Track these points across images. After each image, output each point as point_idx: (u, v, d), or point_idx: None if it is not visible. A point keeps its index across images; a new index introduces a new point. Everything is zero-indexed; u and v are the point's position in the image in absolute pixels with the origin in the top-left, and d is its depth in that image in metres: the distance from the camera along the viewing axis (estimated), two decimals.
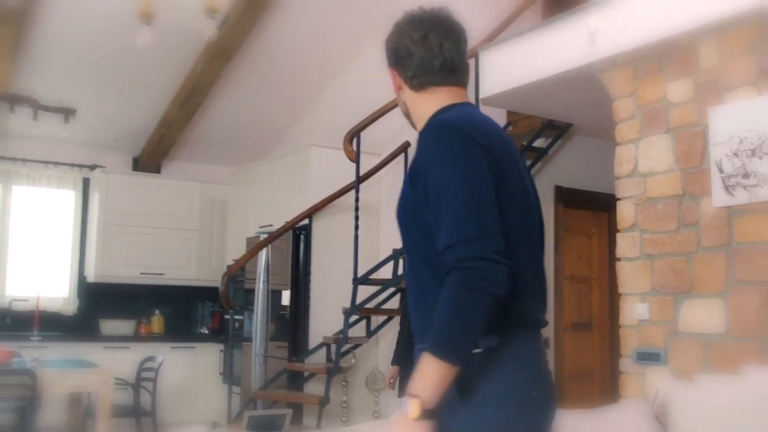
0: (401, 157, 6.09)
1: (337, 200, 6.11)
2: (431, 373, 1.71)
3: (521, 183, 1.94)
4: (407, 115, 2.09)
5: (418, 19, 2.01)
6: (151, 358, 5.92)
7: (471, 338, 1.74)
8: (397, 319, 6.12)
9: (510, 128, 6.36)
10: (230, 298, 5.62)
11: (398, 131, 6.17)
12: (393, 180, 6.21)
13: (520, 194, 1.93)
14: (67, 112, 5.84)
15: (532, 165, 5.89)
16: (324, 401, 5.35)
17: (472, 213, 1.76)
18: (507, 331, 1.84)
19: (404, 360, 4.37)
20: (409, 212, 1.93)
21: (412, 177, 1.90)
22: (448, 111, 1.96)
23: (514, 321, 1.85)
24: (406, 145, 6.06)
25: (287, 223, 6.05)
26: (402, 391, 4.43)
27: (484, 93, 5.33)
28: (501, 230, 1.77)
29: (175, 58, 6.59)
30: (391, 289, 6.08)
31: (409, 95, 2.05)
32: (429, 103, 2.01)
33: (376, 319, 6.04)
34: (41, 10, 5.85)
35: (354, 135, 5.67)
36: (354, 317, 5.87)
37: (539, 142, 5.99)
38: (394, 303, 6.10)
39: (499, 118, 6.34)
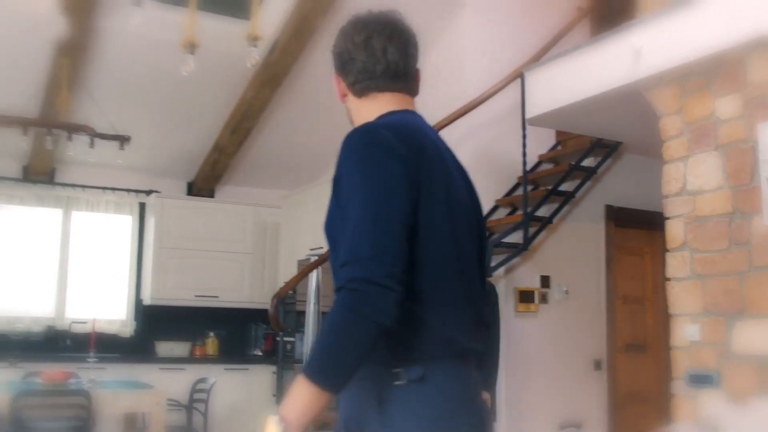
0: None
1: None
2: (301, 396, 1.59)
3: (455, 197, 1.77)
4: (352, 123, 1.95)
5: (362, 22, 1.88)
6: (203, 380, 6.00)
7: (348, 364, 1.57)
8: None
9: (559, 148, 6.33)
10: (280, 320, 5.67)
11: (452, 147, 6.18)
12: None
13: (452, 208, 1.74)
14: (122, 140, 6.00)
15: (581, 185, 5.82)
16: None
17: (370, 231, 1.59)
18: (431, 362, 1.68)
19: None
20: (333, 224, 1.76)
21: (334, 187, 1.77)
22: (385, 118, 1.84)
23: (438, 350, 1.69)
24: None
25: None
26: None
27: (530, 113, 5.31)
28: (403, 251, 1.60)
29: (225, 85, 6.73)
30: None
31: (352, 102, 1.93)
32: (370, 109, 1.88)
33: None
34: (97, 42, 6.04)
35: None
36: None
37: (588, 162, 5.93)
38: None
39: (548, 138, 6.32)
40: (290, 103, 7.05)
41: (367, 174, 1.66)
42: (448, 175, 1.78)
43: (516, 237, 5.57)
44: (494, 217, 6.05)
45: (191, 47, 4.27)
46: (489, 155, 6.03)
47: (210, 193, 8.20)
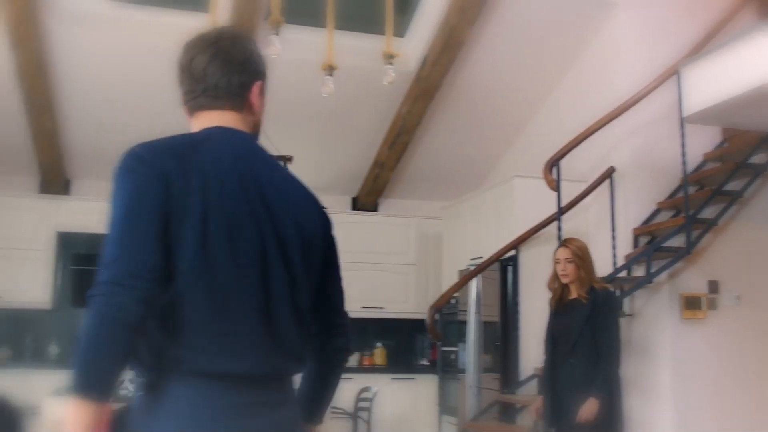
0: (607, 184, 5.94)
1: (544, 230, 6.06)
2: (70, 411, 1.51)
3: (245, 215, 1.69)
4: None
5: (189, 44, 1.85)
6: (366, 389, 6.18)
7: (100, 369, 1.51)
8: None
9: (725, 145, 5.99)
10: (437, 330, 5.74)
11: (603, 156, 6.03)
12: (600, 207, 6.06)
13: (221, 227, 1.65)
14: (285, 159, 6.30)
15: (750, 183, 5.48)
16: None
17: (115, 238, 1.58)
18: (170, 377, 1.61)
19: (549, 389, 4.32)
20: None
21: None
22: (175, 137, 1.77)
23: (180, 366, 1.61)
24: (610, 171, 5.90)
25: (493, 255, 6.09)
26: (550, 421, 4.31)
27: (688, 111, 5.10)
28: (148, 253, 1.56)
29: (380, 101, 6.93)
30: None
31: (189, 121, 1.88)
32: (193, 129, 1.83)
33: None
34: None
35: (553, 163, 5.62)
36: None
37: (759, 158, 5.57)
38: None
39: (713, 135, 6.01)
40: (445, 116, 7.15)
41: (116, 189, 1.64)
42: (226, 194, 1.68)
43: (679, 240, 5.34)
44: (656, 220, 5.83)
45: (330, 69, 4.44)
46: (648, 157, 5.83)
47: (374, 207, 8.44)
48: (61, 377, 6.65)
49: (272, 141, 6.69)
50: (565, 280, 4.35)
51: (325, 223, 1.95)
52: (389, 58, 4.52)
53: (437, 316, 5.98)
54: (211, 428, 1.62)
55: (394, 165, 7.69)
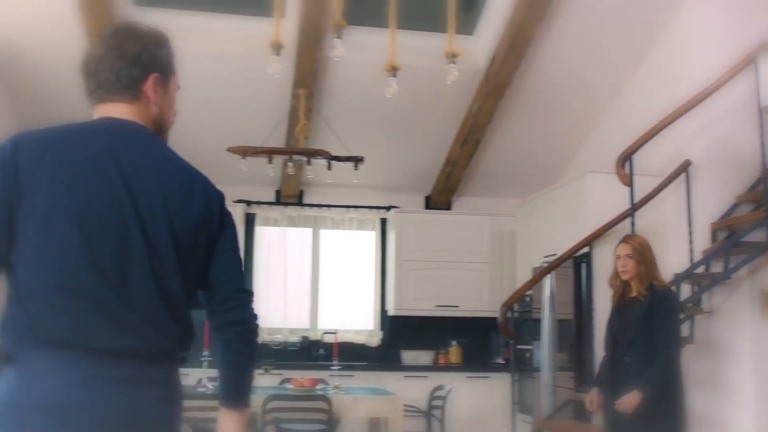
0: (683, 178, 5.79)
1: (618, 227, 5.95)
2: None
3: (100, 200, 1.79)
4: None
5: (87, 49, 2.03)
6: (440, 387, 6.19)
7: None
8: (687, 347, 5.80)
9: None
10: (508, 328, 5.71)
11: (678, 150, 5.89)
12: (677, 202, 5.91)
13: (88, 207, 1.77)
14: (356, 160, 6.37)
15: None
16: None
17: None
18: (26, 347, 1.73)
19: (608, 388, 4.24)
20: None
21: None
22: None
23: (34, 336, 1.73)
24: (686, 165, 5.76)
25: (566, 252, 6.02)
26: (607, 413, 4.24)
27: (766, 100, 4.92)
28: None
29: (451, 100, 6.92)
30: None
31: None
32: None
33: None
34: (326, 72, 6.52)
35: (626, 158, 5.51)
36: None
37: None
38: (684, 330, 5.77)
39: None
40: (516, 113, 7.09)
41: None
42: (79, 182, 1.79)
43: (759, 235, 5.16)
44: (735, 214, 5.65)
45: (393, 71, 4.47)
46: (725, 150, 5.66)
47: (447, 206, 8.44)
48: None
49: (344, 142, 6.82)
50: (624, 277, 4.28)
51: (207, 204, 1.96)
52: (452, 57, 4.51)
53: (509, 314, 5.94)
54: (59, 397, 1.69)
55: (466, 163, 7.67)
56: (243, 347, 1.98)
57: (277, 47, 4.62)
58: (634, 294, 4.25)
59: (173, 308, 1.85)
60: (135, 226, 1.80)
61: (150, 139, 1.96)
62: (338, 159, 6.41)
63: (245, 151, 6.22)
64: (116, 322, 1.76)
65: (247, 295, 2.01)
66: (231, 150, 6.20)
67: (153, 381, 1.81)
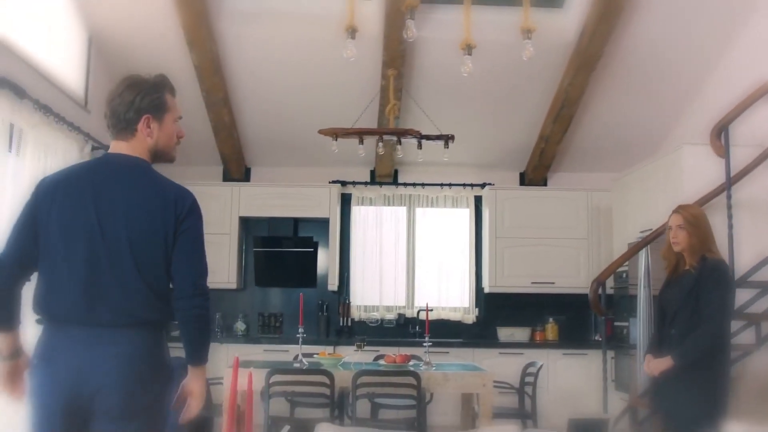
0: None
1: (716, 200, 5.76)
2: None
3: (90, 219, 2.59)
4: None
5: None
6: (532, 364, 6.18)
7: None
8: None
9: None
10: (600, 305, 5.64)
11: None
12: None
13: (63, 223, 2.60)
14: (447, 139, 6.40)
15: None
16: None
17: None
18: (43, 322, 2.62)
19: (653, 354, 4.19)
20: None
21: None
22: None
23: (44, 314, 2.60)
24: None
25: (659, 227, 5.88)
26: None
27: None
28: (12, 249, 2.62)
29: (541, 75, 6.84)
30: None
31: None
32: None
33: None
34: (414, 53, 6.56)
35: (721, 129, 5.33)
36: (741, 323, 5.50)
37: None
38: None
39: None
40: (608, 86, 6.94)
41: None
42: (84, 205, 2.62)
43: None
44: None
45: (468, 48, 4.47)
46: None
47: (543, 182, 8.36)
48: (248, 350, 7.19)
49: (433, 121, 6.85)
50: (676, 248, 4.15)
51: (169, 215, 2.66)
52: (527, 32, 4.47)
53: (600, 291, 5.86)
54: (53, 356, 2.55)
55: (560, 138, 7.56)
56: (190, 325, 2.69)
57: (352, 31, 4.69)
58: (686, 266, 4.12)
59: (132, 293, 2.60)
60: (98, 237, 2.60)
61: (133, 169, 2.72)
62: (428, 138, 6.46)
63: (336, 133, 6.35)
64: (80, 303, 2.57)
65: (194, 288, 2.69)
66: (322, 132, 6.35)
67: (131, 341, 2.57)
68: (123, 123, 2.72)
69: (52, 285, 2.59)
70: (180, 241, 2.68)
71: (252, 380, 2.24)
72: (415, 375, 5.15)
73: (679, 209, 4.21)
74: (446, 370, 5.48)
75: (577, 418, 3.08)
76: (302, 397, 5.62)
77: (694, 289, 3.98)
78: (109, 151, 2.76)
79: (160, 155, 2.82)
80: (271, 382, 5.08)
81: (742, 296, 5.28)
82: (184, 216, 2.69)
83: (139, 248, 2.62)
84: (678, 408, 3.93)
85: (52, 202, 2.62)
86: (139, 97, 2.72)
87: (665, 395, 4.07)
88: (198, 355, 2.75)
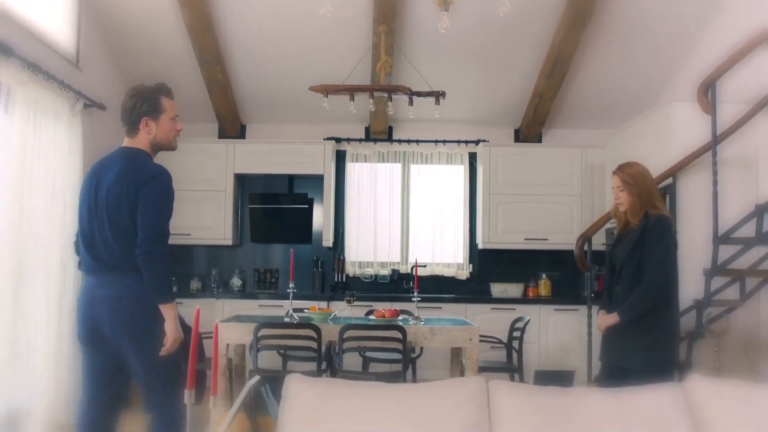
0: None
1: (704, 156, 5.78)
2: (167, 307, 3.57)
3: (91, 196, 3.56)
4: None
5: None
6: (519, 319, 6.25)
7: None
8: None
9: None
10: (585, 261, 5.69)
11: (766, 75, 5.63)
12: None
13: (89, 202, 3.56)
14: (438, 95, 6.40)
15: None
16: (685, 365, 5.18)
17: None
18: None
19: (605, 310, 4.29)
20: None
21: None
22: None
23: (79, 268, 3.67)
24: None
25: None
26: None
27: None
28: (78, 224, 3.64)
29: (533, 33, 6.81)
30: (765, 249, 5.60)
31: None
32: None
33: (753, 281, 5.62)
34: (407, 8, 6.53)
35: (708, 85, 5.32)
36: (726, 279, 5.56)
37: None
38: None
39: None
40: (602, 42, 6.91)
41: None
42: (92, 187, 3.59)
43: None
44: None
45: (445, 4, 4.45)
46: None
47: (538, 138, 8.36)
48: (243, 305, 7.30)
49: (425, 78, 6.84)
50: (621, 209, 4.22)
51: (133, 186, 3.46)
52: None
53: (587, 247, 5.91)
54: (80, 297, 3.62)
55: (554, 95, 7.54)
56: (145, 267, 3.42)
57: None
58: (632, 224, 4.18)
59: (110, 248, 3.49)
60: (93, 208, 3.55)
61: (128, 157, 3.59)
62: (419, 94, 6.45)
63: (327, 90, 6.36)
64: (89, 256, 3.55)
65: (148, 238, 3.43)
66: (313, 89, 6.35)
67: (120, 285, 3.48)
68: (128, 124, 3.62)
69: (79, 247, 3.62)
70: (139, 204, 3.43)
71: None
72: (401, 329, 5.24)
73: (617, 170, 4.27)
74: (433, 325, 5.57)
75: (544, 369, 3.15)
76: (292, 350, 5.73)
77: (637, 246, 4.04)
78: (122, 145, 3.66)
79: (161, 146, 3.69)
80: (259, 335, 5.19)
81: (725, 252, 5.33)
82: (143, 184, 3.44)
83: (113, 213, 3.47)
84: (626, 361, 4.01)
85: (83, 186, 3.68)
86: (139, 103, 3.58)
87: (614, 349, 4.17)
88: (158, 294, 3.45)
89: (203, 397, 3.65)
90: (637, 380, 3.09)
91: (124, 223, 3.44)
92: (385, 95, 6.47)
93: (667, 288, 4.02)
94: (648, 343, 3.98)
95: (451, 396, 2.83)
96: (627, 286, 4.06)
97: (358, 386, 2.86)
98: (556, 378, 2.89)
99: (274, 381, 2.93)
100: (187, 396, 2.37)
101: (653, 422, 2.80)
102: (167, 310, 3.46)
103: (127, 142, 3.63)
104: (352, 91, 6.40)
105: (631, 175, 4.18)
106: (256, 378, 2.87)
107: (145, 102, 3.57)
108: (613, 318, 4.09)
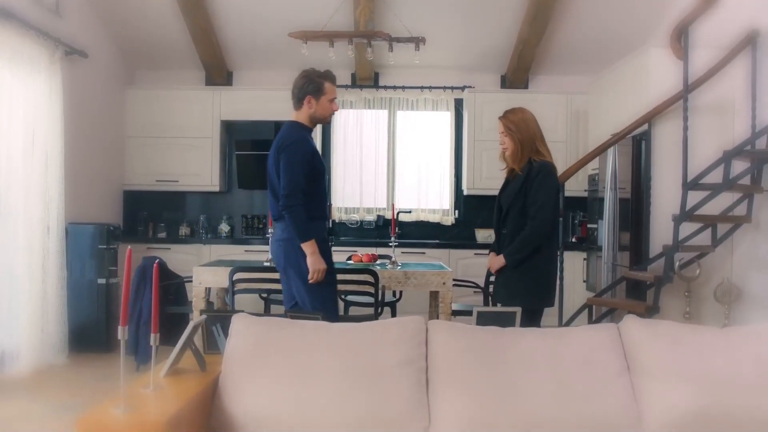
0: (748, 50, 5.53)
1: (679, 103, 5.78)
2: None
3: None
4: None
5: None
6: None
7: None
8: (745, 227, 5.70)
9: None
10: (559, 207, 5.74)
11: (745, 20, 5.60)
12: (744, 75, 5.68)
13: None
14: (417, 41, 6.41)
15: None
16: (652, 310, 5.28)
17: None
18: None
19: (495, 252, 4.42)
20: None
21: None
22: None
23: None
24: (752, 36, 5.48)
25: (621, 130, 5.94)
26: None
27: None
28: None
29: None
30: (737, 195, 5.65)
31: None
32: None
33: (725, 227, 5.68)
34: None
35: (681, 31, 5.30)
36: (699, 225, 5.62)
37: None
38: (742, 210, 5.66)
39: None
40: None
41: None
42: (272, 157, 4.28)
43: None
44: None
45: None
46: None
47: (524, 85, 8.35)
48: (230, 250, 7.42)
49: (407, 24, 6.83)
50: (507, 154, 4.36)
51: (276, 152, 4.20)
52: None
53: (561, 192, 5.96)
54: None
55: (538, 41, 7.51)
56: (287, 219, 4.14)
57: None
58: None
59: (275, 200, 4.25)
60: (271, 167, 4.29)
61: (291, 126, 4.27)
62: (398, 40, 6.47)
63: (306, 36, 6.38)
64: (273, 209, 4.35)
65: (284, 196, 4.11)
66: (292, 35, 6.38)
67: (281, 229, 4.29)
68: (295, 99, 4.29)
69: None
70: (280, 165, 4.15)
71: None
72: (373, 273, 5.34)
73: (502, 116, 4.39)
74: (407, 269, 5.67)
75: (484, 309, 3.24)
76: (275, 294, 5.87)
77: (521, 190, 4.17)
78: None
79: (318, 120, 4.35)
80: (234, 279, 5.31)
81: (697, 198, 5.38)
82: (282, 149, 4.15)
83: (271, 174, 4.27)
84: (511, 300, 4.17)
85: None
86: (306, 84, 4.23)
87: (499, 292, 4.35)
88: (299, 236, 4.14)
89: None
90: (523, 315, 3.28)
91: (274, 182, 4.23)
92: (365, 41, 6.49)
93: (548, 232, 4.14)
94: (526, 285, 4.15)
95: (391, 335, 2.93)
96: (512, 229, 4.20)
97: (301, 325, 2.97)
98: (499, 318, 2.99)
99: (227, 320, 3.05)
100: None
101: (585, 360, 2.91)
102: (306, 248, 4.14)
103: (293, 114, 4.33)
104: (331, 37, 6.42)
105: (513, 121, 4.31)
106: (203, 317, 2.98)
107: (311, 84, 4.22)
108: (500, 260, 4.25)
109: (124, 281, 2.42)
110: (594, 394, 2.80)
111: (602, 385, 2.84)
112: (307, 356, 2.81)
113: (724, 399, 2.79)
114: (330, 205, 8.18)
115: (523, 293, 4.13)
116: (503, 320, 3.18)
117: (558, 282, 4.39)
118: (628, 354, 2.97)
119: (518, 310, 3.29)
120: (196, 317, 5.40)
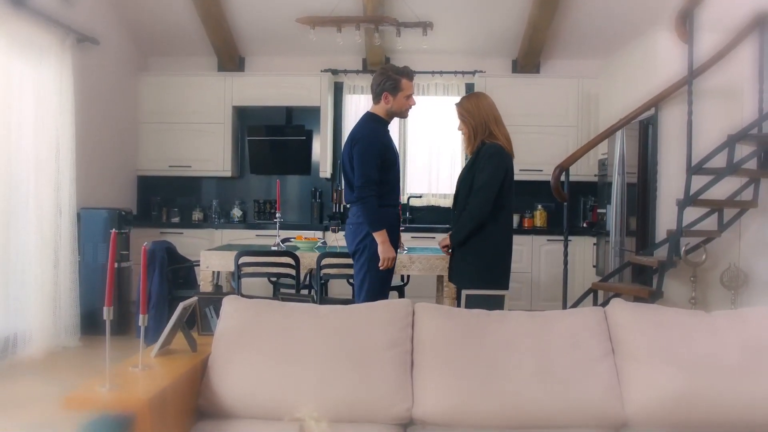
0: (756, 34, 5.48)
1: (685, 87, 5.74)
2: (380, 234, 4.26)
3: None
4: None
5: None
6: None
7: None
8: (753, 212, 5.67)
9: None
10: (562, 191, 5.74)
11: (753, 2, 5.54)
12: (754, 57, 5.63)
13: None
14: (425, 26, 6.43)
15: None
16: (655, 295, 5.28)
17: None
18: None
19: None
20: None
21: None
22: None
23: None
24: (759, 19, 5.43)
25: (627, 115, 5.92)
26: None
27: None
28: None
29: None
30: (744, 180, 5.62)
31: None
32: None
33: (731, 212, 5.65)
34: None
35: (686, 14, 5.26)
36: (705, 210, 5.59)
37: None
38: (748, 194, 5.63)
39: None
40: None
41: None
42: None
43: None
44: None
45: None
46: None
47: (535, 69, 8.32)
48: (242, 235, 7.51)
49: (412, 8, 6.84)
50: (464, 138, 4.47)
51: (350, 144, 4.34)
52: None
53: (564, 177, 5.96)
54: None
55: (548, 24, 7.48)
56: (360, 208, 4.29)
57: None
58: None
59: (349, 187, 4.39)
60: (345, 158, 4.42)
61: (368, 119, 4.44)
62: (405, 25, 6.49)
63: (313, 21, 6.41)
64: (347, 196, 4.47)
65: (357, 188, 4.25)
66: (300, 20, 6.42)
67: (352, 213, 4.43)
68: (373, 95, 4.44)
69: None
70: (353, 157, 4.28)
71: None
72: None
73: (457, 102, 4.46)
74: (413, 253, 5.72)
75: (473, 293, 3.29)
76: (277, 277, 5.95)
77: (470, 172, 4.29)
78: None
79: (395, 115, 4.46)
80: (240, 263, 5.38)
81: (699, 183, 5.36)
82: (355, 142, 4.28)
83: (345, 163, 4.40)
84: (459, 281, 4.30)
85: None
86: (384, 80, 4.36)
87: (450, 270, 4.50)
88: (370, 226, 4.25)
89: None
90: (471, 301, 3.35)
91: (348, 173, 4.39)
92: (372, 26, 6.51)
93: (489, 210, 4.20)
94: (470, 266, 4.25)
95: (378, 317, 2.99)
96: (461, 209, 4.32)
97: (291, 307, 3.02)
98: (487, 301, 3.03)
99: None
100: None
101: (570, 343, 2.94)
102: (377, 237, 4.26)
103: (371, 107, 4.48)
104: (339, 22, 6.45)
105: (465, 108, 4.40)
106: (193, 299, 3.05)
107: (388, 80, 4.34)
108: (445, 240, 4.46)
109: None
110: (577, 377, 2.84)
111: (586, 368, 2.87)
112: (295, 338, 2.87)
113: (707, 382, 2.82)
114: (341, 190, 8.25)
115: (470, 275, 4.24)
116: (491, 303, 3.22)
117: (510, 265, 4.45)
118: (614, 337, 3.00)
119: (506, 293, 3.33)
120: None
